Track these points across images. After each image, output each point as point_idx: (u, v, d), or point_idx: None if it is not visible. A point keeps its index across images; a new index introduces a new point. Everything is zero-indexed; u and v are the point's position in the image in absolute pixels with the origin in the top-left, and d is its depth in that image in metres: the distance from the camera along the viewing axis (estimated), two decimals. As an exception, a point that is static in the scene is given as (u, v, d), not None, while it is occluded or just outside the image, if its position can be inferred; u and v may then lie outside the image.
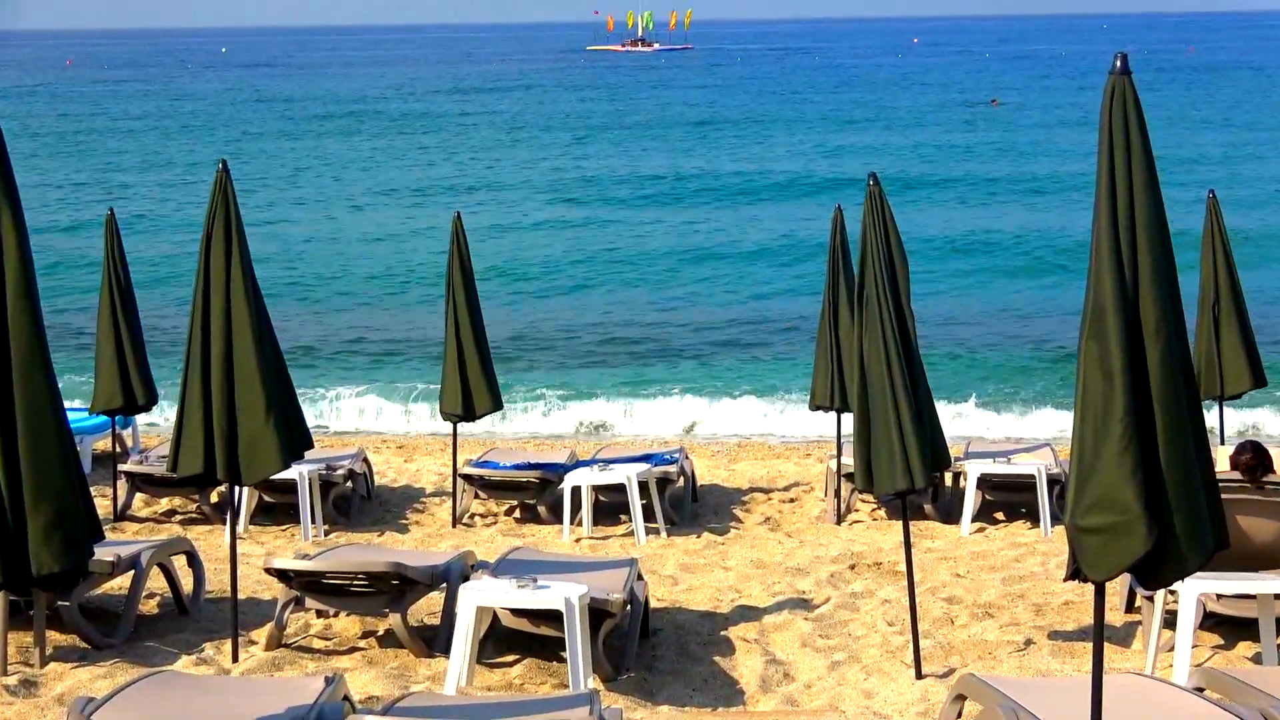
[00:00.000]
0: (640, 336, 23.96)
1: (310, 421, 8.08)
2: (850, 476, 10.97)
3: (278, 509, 12.57)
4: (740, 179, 43.42)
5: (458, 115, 69.08)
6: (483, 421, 13.38)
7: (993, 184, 41.74)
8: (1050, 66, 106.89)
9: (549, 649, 8.18)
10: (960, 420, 18.00)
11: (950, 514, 12.27)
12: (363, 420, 18.93)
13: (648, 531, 11.77)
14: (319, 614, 9.01)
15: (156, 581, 9.60)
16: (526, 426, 18.42)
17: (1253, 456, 8.13)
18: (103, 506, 12.29)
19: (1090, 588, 4.88)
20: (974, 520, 11.95)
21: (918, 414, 7.57)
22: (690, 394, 19.63)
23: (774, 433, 17.74)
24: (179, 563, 9.58)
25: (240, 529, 11.98)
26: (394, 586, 8.42)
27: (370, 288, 28.87)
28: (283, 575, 8.47)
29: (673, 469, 12.52)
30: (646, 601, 8.63)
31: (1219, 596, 7.75)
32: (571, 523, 11.95)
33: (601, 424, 18.62)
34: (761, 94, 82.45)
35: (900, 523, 9.66)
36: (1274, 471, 8.21)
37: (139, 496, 12.74)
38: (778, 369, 21.25)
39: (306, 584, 8.47)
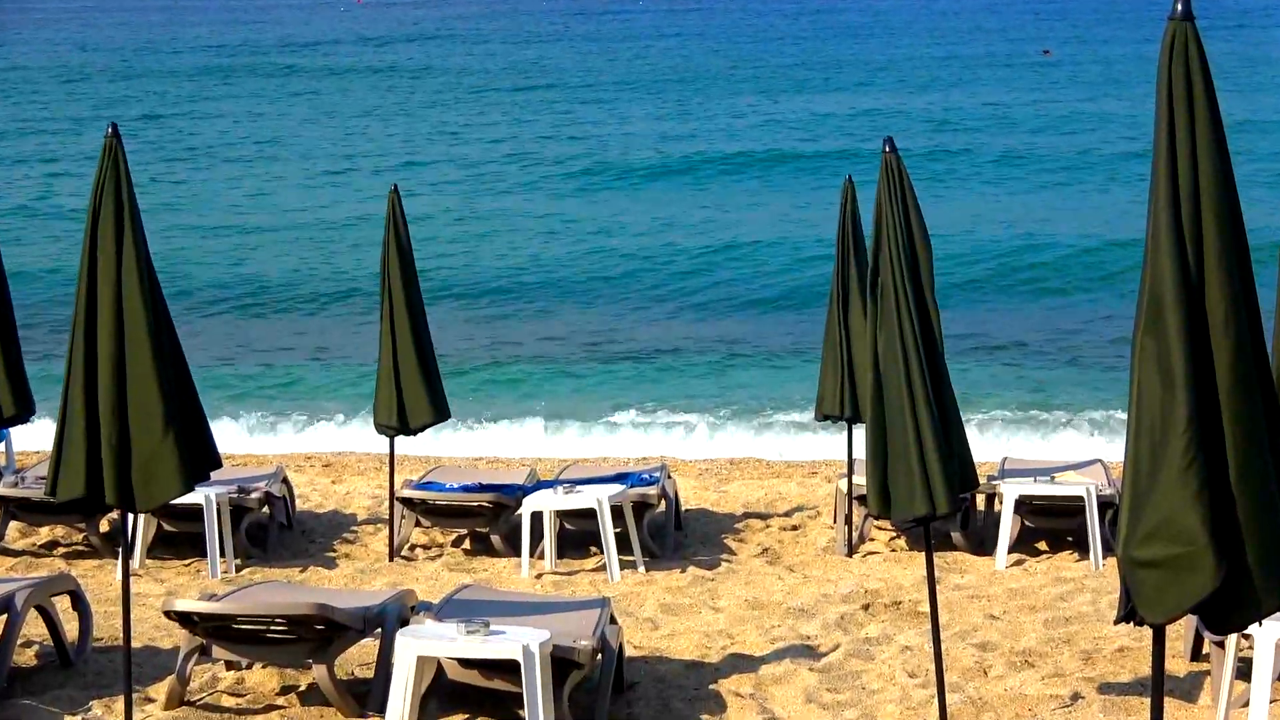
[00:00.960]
0: (613, 336, 24.13)
1: (218, 436, 8.03)
2: (863, 499, 10.89)
3: (180, 540, 12.50)
4: (724, 147, 43.36)
5: (384, 70, 68.81)
6: (426, 436, 13.35)
7: (1037, 153, 41.78)
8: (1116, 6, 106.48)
9: (504, 707, 8.15)
10: (992, 432, 18.01)
11: (983, 544, 12.30)
12: (282, 434, 18.90)
13: (623, 565, 11.80)
14: (229, 665, 8.98)
15: (34, 627, 9.53)
16: (478, 441, 18.48)
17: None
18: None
19: (1148, 632, 5.18)
20: (1011, 551, 11.94)
21: (942, 425, 7.58)
22: (672, 402, 19.64)
23: (773, 447, 17.79)
24: (61, 604, 9.50)
25: (135, 564, 11.90)
26: (319, 632, 8.40)
27: (293, 276, 28.78)
28: (186, 619, 8.43)
29: (652, 491, 12.48)
30: (621, 649, 8.59)
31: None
32: (531, 555, 11.96)
33: (568, 438, 18.69)
34: (750, 41, 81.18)
35: (923, 554, 9.72)
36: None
37: (13, 525, 12.69)
38: (776, 371, 21.28)
39: (214, 629, 8.42)
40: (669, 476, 13.34)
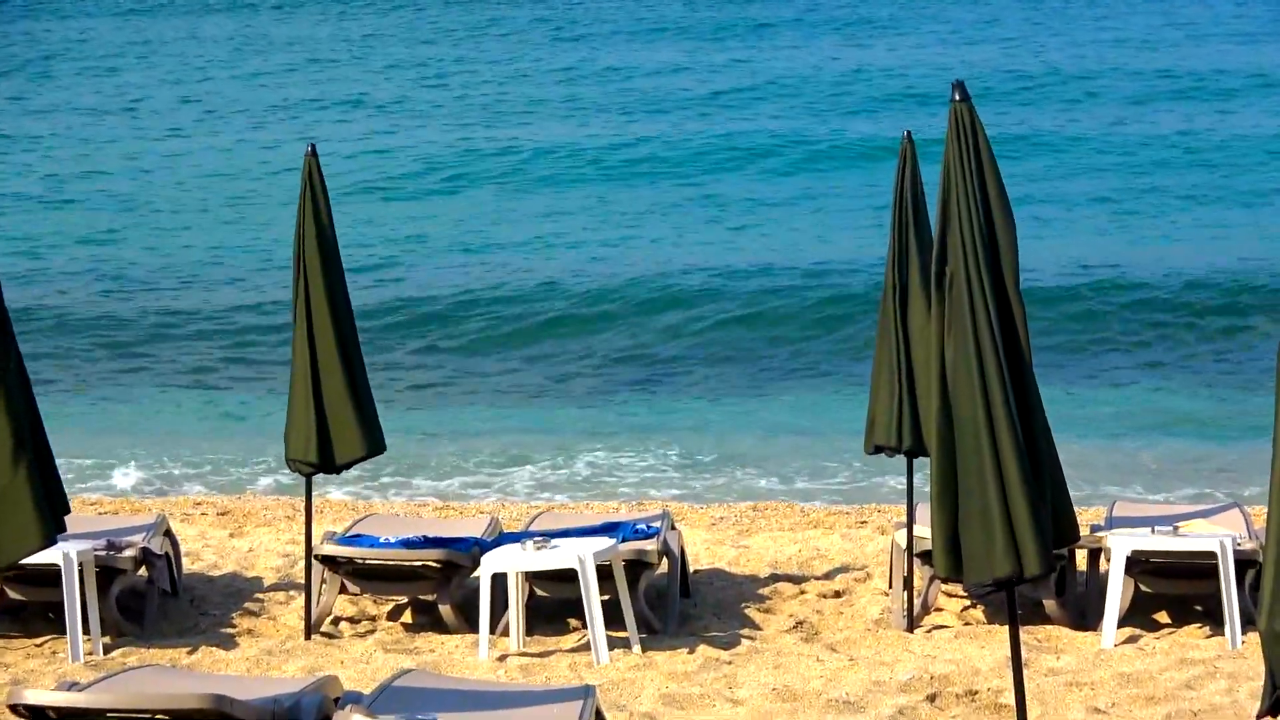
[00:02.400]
0: (602, 348, 24.31)
1: (74, 475, 8.09)
2: (928, 557, 11.01)
3: (30, 612, 12.54)
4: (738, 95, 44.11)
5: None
6: (354, 475, 13.82)
7: (1138, 92, 42.26)
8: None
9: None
10: (1096, 470, 18.05)
11: (1084, 615, 12.33)
12: (162, 472, 18.90)
13: (612, 644, 11.81)
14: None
15: None
16: (424, 481, 18.45)
17: None
18: None
19: (1301, 729, 5.07)
20: (1122, 624, 11.96)
21: (1031, 460, 7.63)
22: (677, 430, 19.81)
23: (809, 489, 17.84)
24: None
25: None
26: (213, 733, 8.73)
27: (179, 260, 28.85)
28: (38, 716, 8.40)
29: (650, 546, 12.52)
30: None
31: None
32: (492, 631, 11.98)
33: (542, 476, 18.73)
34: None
35: (1005, 629, 9.72)
36: None
37: None
38: (813, 390, 21.48)
39: (76, 729, 8.74)
40: (672, 527, 13.35)
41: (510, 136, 40.06)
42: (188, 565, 14.06)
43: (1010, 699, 9.43)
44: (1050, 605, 12.31)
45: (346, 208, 28.16)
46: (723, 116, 42.06)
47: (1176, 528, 12.42)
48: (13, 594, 12.37)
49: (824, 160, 37.87)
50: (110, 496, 17.51)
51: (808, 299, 26.73)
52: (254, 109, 44.33)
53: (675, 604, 12.82)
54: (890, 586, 13.04)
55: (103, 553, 12.41)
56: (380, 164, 37.32)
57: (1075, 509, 8.10)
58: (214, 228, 31.77)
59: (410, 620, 12.94)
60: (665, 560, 12.80)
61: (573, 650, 12.06)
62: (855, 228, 30.95)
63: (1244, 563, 11.90)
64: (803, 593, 13.42)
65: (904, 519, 12.68)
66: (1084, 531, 11.27)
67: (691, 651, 11.90)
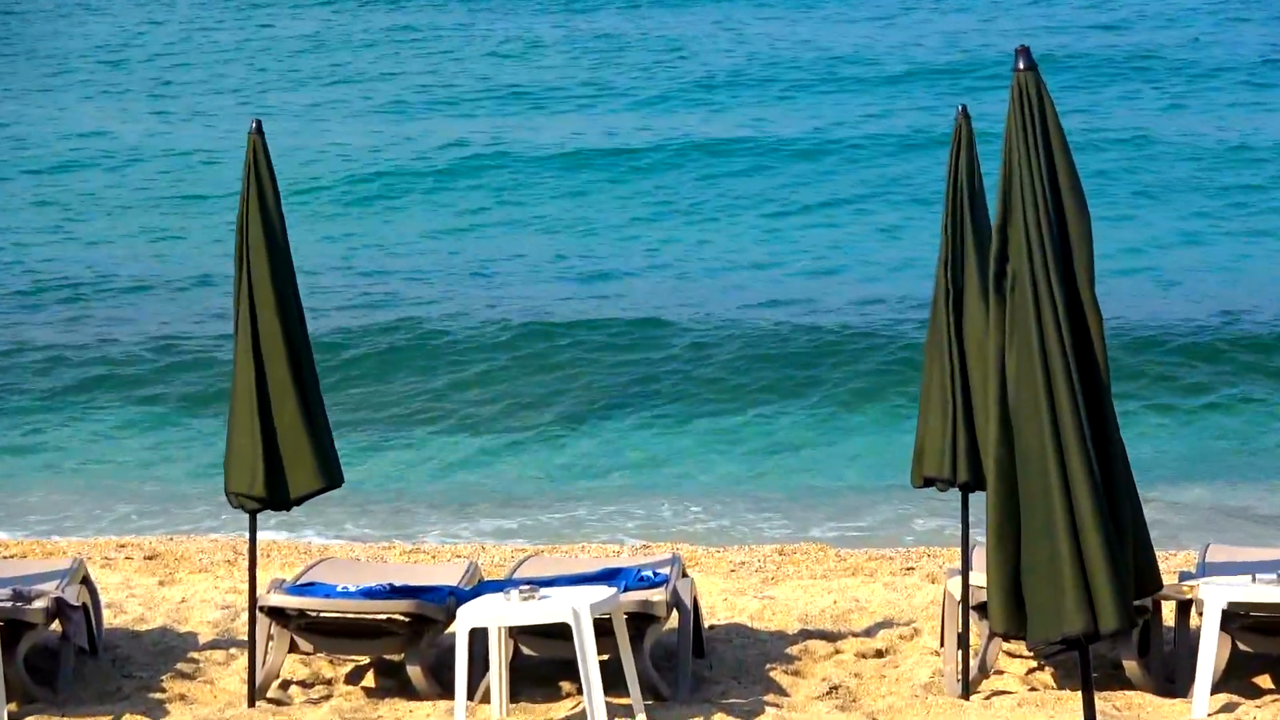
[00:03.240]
0: (599, 367, 24.36)
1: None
2: (985, 609, 10.57)
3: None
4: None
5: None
6: (306, 512, 13.73)
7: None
8: None
9: None
10: (1184, 510, 18.08)
11: (1172, 677, 12.30)
12: (82, 509, 18.86)
13: (613, 711, 11.78)
14: None
15: None
16: (389, 519, 18.56)
17: None
18: None
19: None
20: (1217, 689, 11.86)
21: (1108, 496, 7.71)
22: (688, 460, 20.03)
23: (845, 529, 17.93)
24: None
25: None
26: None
27: (105, 258, 29.07)
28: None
29: (658, 596, 12.54)
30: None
31: None
32: (470, 697, 11.91)
33: (528, 515, 18.74)
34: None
35: (1078, 693, 9.76)
36: None
37: None
38: (850, 413, 21.57)
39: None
40: (684, 574, 13.36)
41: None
42: (109, 618, 14.01)
43: (1083, 778, 9.85)
44: (1131, 666, 12.25)
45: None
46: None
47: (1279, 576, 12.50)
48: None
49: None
50: (16, 536, 17.44)
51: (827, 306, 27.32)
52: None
53: (687, 665, 12.72)
54: (942, 645, 12.99)
55: (7, 604, 12.31)
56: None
57: (1160, 554, 8.21)
58: (143, 214, 32.23)
59: (373, 684, 12.85)
60: (675, 613, 12.71)
61: (567, 719, 12.04)
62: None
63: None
64: (839, 652, 13.37)
65: (958, 565, 12.77)
66: (1171, 580, 11.41)
67: (707, 721, 12.40)
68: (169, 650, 13.65)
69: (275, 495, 12.41)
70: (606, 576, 13.09)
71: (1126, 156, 35.79)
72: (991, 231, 8.13)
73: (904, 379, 22.48)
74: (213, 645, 13.70)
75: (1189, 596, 12.48)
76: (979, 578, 11.86)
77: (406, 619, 12.59)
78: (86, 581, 13.38)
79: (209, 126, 39.64)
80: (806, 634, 13.83)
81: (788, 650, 13.47)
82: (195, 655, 13.50)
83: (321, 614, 12.64)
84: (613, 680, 12.05)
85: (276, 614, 12.68)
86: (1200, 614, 12.14)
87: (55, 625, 12.74)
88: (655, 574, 13.19)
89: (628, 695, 12.01)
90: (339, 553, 16.01)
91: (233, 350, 12.52)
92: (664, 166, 36.82)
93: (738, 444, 20.87)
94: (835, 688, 12.66)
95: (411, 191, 36.61)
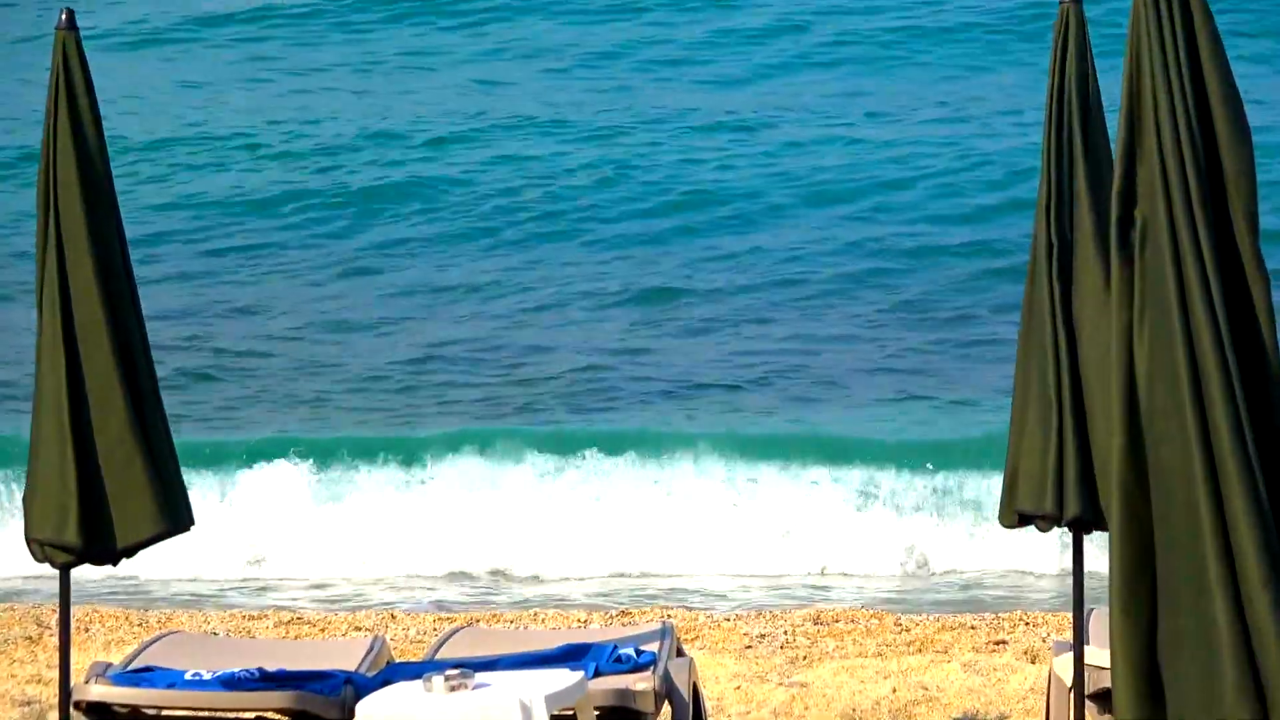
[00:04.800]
0: (573, 360, 26.27)
1: None
2: (1107, 699, 10.52)
3: None
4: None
5: None
6: (145, 564, 13.41)
7: None
8: None
9: None
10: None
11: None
12: None
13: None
14: None
15: None
16: (257, 576, 19.33)
17: None
18: None
19: None
20: None
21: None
22: (692, 492, 20.82)
23: (906, 588, 18.41)
24: None
25: None
26: None
27: None
28: None
29: (643, 684, 12.30)
30: None
31: None
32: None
33: (467, 564, 19.60)
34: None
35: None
36: None
37: None
38: (909, 419, 23.04)
39: None
40: (679, 652, 13.20)
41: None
42: None
43: None
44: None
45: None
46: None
47: None
48: None
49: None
50: None
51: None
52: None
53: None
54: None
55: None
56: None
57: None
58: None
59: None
60: (668, 704, 12.62)
61: None
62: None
63: None
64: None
65: (1068, 636, 12.70)
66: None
67: None
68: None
69: (96, 543, 11.95)
70: (570, 656, 12.75)
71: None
72: (1113, 163, 8.16)
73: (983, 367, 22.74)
74: (8, 754, 13.31)
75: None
76: (1098, 654, 11.62)
77: (290, 713, 12.42)
78: None
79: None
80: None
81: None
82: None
83: (164, 711, 12.43)
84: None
85: (100, 711, 12.36)
86: None
87: None
88: (639, 652, 12.82)
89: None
90: (188, 624, 15.97)
91: (35, 343, 12.29)
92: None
93: (777, 454, 21.77)
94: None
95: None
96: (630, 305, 31.77)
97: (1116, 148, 7.72)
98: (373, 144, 41.92)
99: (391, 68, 49.75)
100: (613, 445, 23.53)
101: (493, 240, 36.38)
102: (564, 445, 23.84)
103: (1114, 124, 8.13)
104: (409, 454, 23.35)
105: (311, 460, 22.93)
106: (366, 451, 23.49)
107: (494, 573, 19.65)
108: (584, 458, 23.38)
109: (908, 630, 15.84)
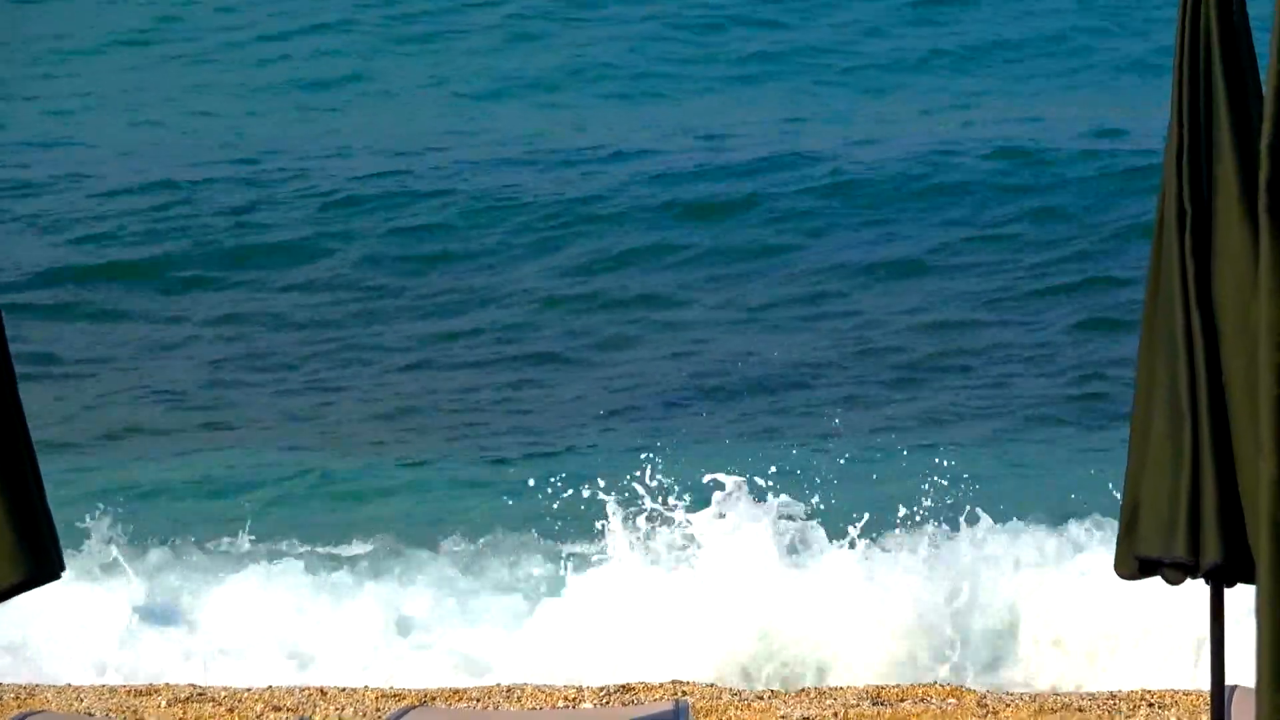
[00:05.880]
0: (572, 374, 26.71)
1: None
2: None
3: None
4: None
5: None
6: (3, 618, 13.41)
7: None
8: None
9: None
10: None
11: None
12: None
13: None
14: None
15: None
16: (155, 633, 18.75)
17: None
18: None
19: None
20: None
21: None
22: (713, 535, 20.32)
23: (989, 656, 18.21)
24: None
25: None
26: None
27: None
28: None
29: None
30: None
31: None
32: None
33: (429, 627, 19.55)
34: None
35: None
36: None
37: None
38: (1002, 441, 22.73)
39: None
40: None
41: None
42: None
43: None
44: None
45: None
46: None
47: None
48: None
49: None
50: None
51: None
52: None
53: None
54: None
55: None
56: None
57: None
58: None
59: None
60: None
61: None
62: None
63: None
64: None
65: (1206, 711, 12.40)
66: None
67: None
68: None
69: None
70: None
71: None
72: (1262, 119, 8.34)
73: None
74: None
75: None
76: (1245, 732, 10.08)
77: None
78: None
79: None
80: None
81: None
82: None
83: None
84: None
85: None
86: None
87: None
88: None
89: None
90: (55, 704, 15.38)
91: None
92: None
93: (825, 475, 21.15)
94: None
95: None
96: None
97: (1267, 85, 7.09)
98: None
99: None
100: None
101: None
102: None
103: (1265, 54, 8.13)
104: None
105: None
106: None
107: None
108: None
109: (995, 713, 15.46)
